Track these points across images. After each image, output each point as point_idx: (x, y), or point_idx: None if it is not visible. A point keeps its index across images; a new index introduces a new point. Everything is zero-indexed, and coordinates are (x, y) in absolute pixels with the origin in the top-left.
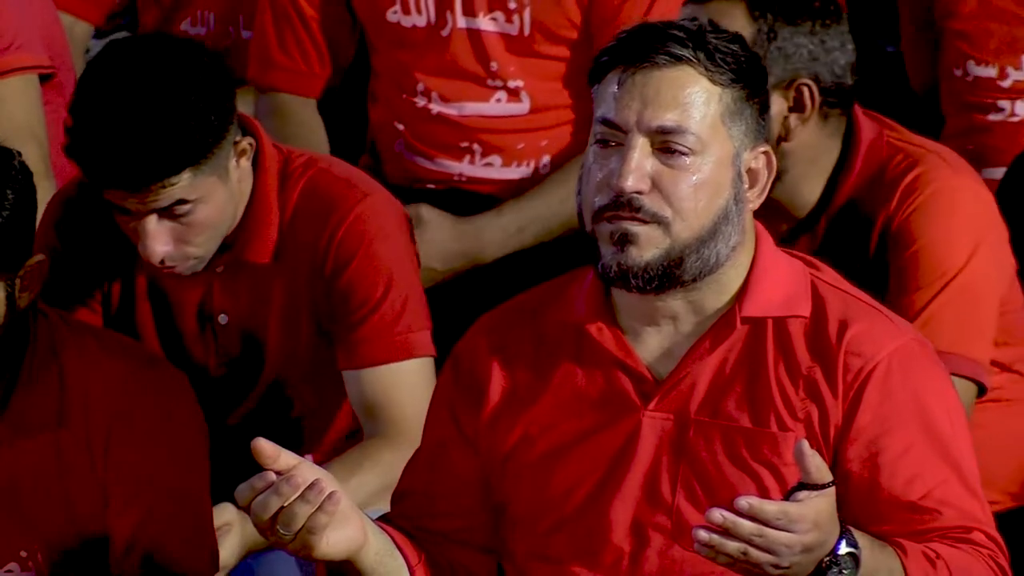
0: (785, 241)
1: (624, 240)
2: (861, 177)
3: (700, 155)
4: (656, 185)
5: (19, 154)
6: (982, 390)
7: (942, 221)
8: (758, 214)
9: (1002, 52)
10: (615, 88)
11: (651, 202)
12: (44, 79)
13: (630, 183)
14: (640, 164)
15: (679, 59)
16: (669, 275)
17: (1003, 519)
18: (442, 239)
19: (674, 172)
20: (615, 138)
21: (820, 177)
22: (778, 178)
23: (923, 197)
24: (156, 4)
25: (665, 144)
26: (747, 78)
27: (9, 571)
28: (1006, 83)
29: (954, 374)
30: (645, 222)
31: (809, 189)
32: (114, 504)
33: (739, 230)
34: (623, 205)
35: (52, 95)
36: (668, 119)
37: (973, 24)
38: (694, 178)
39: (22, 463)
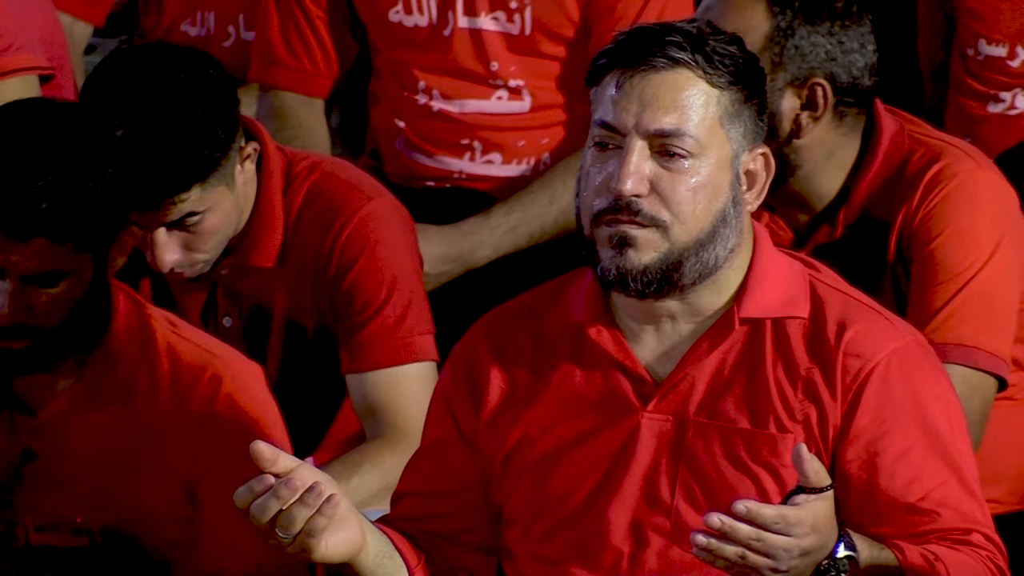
0: (804, 232)
1: (623, 243)
2: (882, 171)
3: (698, 157)
4: (654, 188)
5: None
6: (1002, 385)
7: (965, 215)
8: (777, 205)
9: (1014, 31)
10: (613, 91)
11: (649, 205)
12: (43, 80)
13: (629, 186)
14: (639, 167)
15: (677, 62)
16: (667, 279)
17: (1008, 521)
18: (427, 244)
19: (672, 175)
20: (613, 141)
21: (837, 171)
22: (792, 172)
23: (946, 191)
24: (156, 5)
25: (664, 147)
26: (745, 80)
27: (60, 534)
28: (1015, 63)
29: (975, 368)
30: (644, 225)
31: (825, 183)
32: (206, 515)
33: (737, 232)
34: (621, 208)
35: (51, 96)
36: (667, 122)
37: (986, 3)
38: (693, 181)
39: (91, 432)
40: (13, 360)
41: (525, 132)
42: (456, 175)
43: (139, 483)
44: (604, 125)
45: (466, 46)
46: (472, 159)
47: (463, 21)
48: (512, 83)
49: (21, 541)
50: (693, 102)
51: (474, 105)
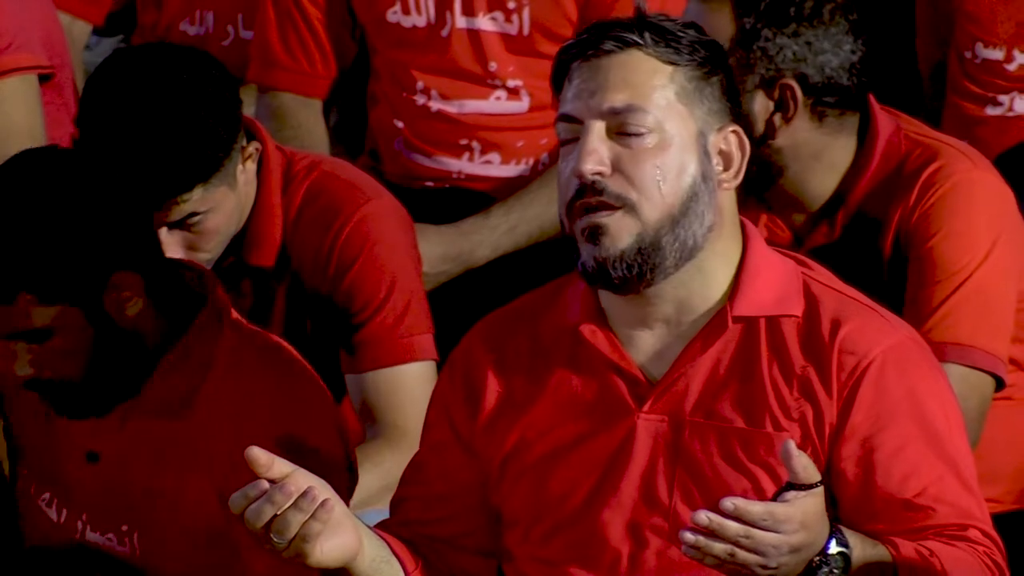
0: (801, 232)
1: (596, 234)
2: (879, 171)
3: (657, 133)
4: (617, 168)
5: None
6: (1000, 384)
7: (962, 214)
8: (773, 205)
9: (1010, 35)
10: (569, 85)
11: (614, 184)
12: (43, 79)
13: (588, 166)
14: (596, 147)
15: (627, 43)
16: (647, 262)
17: (1006, 520)
18: (426, 244)
19: (634, 153)
20: (575, 132)
21: (831, 172)
22: (779, 173)
23: (942, 190)
24: (155, 4)
25: (621, 127)
26: (700, 57)
27: (109, 539)
28: (1012, 66)
29: (973, 367)
30: (613, 208)
31: (818, 184)
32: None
33: (713, 210)
34: (587, 191)
35: (51, 95)
36: (618, 99)
37: (983, 6)
38: (655, 158)
39: (144, 442)
40: (63, 407)
41: (524, 132)
42: (455, 175)
43: (179, 495)
44: (563, 118)
45: (464, 46)
46: (471, 159)
47: (461, 21)
48: (510, 83)
49: (78, 534)
50: (644, 80)
51: (472, 105)
